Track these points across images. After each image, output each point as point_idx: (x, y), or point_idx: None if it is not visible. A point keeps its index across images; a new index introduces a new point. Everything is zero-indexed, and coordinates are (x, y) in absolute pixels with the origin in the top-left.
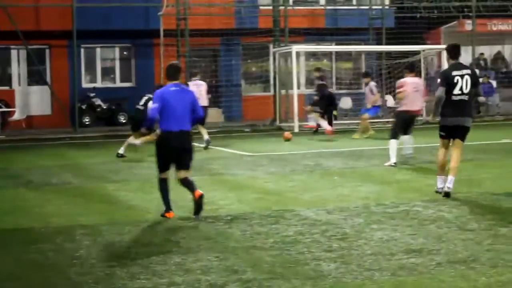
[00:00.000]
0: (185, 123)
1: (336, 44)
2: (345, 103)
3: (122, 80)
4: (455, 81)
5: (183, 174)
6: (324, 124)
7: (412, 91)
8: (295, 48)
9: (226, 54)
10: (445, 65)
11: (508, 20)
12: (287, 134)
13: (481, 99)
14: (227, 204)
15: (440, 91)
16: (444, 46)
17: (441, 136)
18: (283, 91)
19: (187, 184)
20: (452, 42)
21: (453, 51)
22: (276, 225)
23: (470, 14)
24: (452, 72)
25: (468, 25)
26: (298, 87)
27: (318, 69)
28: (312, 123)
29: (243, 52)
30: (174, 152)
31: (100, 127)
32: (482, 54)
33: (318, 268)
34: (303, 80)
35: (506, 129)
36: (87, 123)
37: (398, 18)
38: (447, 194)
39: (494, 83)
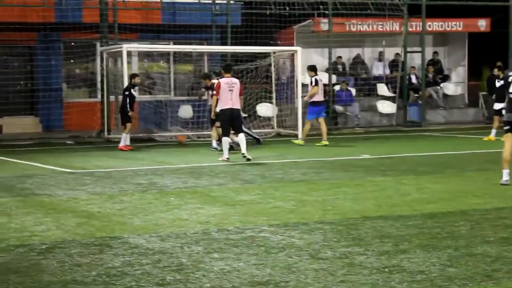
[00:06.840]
0: None
1: (174, 44)
2: (185, 111)
3: None
4: None
5: None
6: None
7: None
8: (126, 47)
9: (44, 52)
10: (298, 69)
11: (368, 19)
12: (181, 137)
13: (339, 108)
14: (42, 231)
15: None
16: (297, 48)
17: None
18: (112, 97)
19: None
20: (306, 42)
21: None
22: (101, 255)
23: (326, 12)
24: None
25: (323, 24)
26: None
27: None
28: None
29: (64, 51)
30: None
31: None
32: (339, 57)
33: None
34: None
35: (366, 143)
36: None
37: (245, 14)
38: None
39: (353, 91)
